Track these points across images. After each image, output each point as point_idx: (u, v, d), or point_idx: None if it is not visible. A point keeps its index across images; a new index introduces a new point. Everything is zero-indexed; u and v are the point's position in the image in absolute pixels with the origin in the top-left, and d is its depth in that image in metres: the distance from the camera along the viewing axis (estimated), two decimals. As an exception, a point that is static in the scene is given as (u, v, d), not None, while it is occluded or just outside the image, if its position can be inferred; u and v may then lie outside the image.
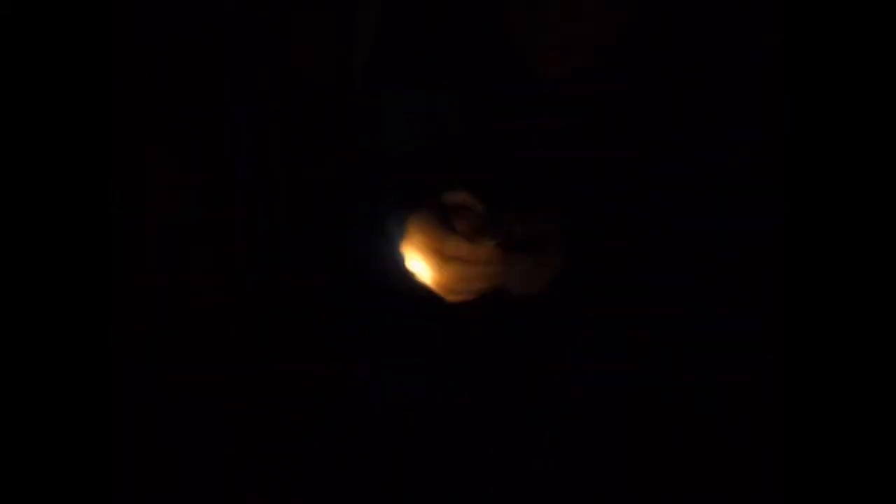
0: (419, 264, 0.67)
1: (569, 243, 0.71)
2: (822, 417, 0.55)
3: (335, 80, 0.95)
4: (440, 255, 0.65)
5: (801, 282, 0.57)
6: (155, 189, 0.97)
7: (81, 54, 0.58)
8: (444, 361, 0.80)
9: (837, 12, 0.56)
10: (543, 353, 0.78)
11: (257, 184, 1.04)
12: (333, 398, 0.83)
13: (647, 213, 0.76)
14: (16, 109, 0.55)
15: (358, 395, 0.83)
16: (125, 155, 0.88)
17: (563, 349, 0.77)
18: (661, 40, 0.78)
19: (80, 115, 0.58)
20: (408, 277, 0.68)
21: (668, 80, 0.77)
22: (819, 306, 0.56)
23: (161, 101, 0.97)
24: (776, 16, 0.72)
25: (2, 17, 0.55)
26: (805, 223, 0.57)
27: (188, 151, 1.00)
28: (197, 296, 0.98)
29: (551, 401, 0.78)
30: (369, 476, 0.81)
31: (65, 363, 0.56)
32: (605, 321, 0.76)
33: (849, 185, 0.56)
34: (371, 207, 0.76)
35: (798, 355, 0.57)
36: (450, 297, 0.67)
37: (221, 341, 0.94)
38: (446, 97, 0.78)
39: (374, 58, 0.84)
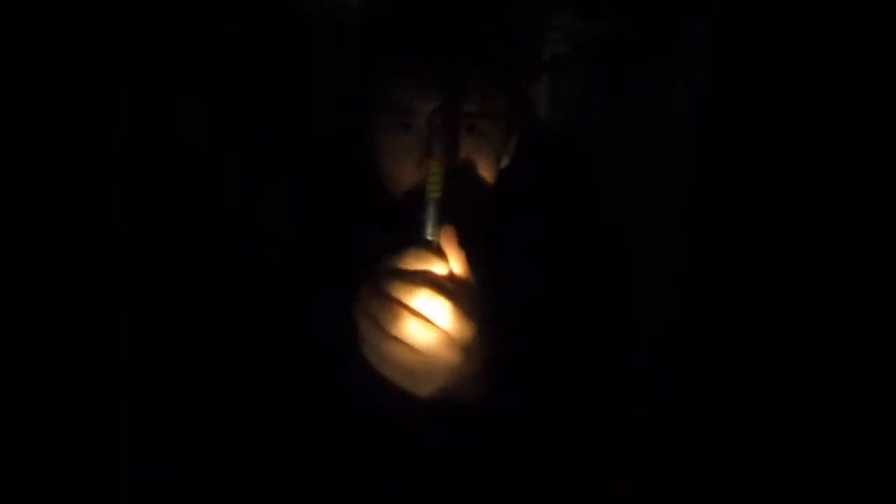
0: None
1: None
2: (822, 418, 0.55)
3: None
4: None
5: (804, 289, 0.57)
6: (157, 188, 0.98)
7: (86, 55, 0.58)
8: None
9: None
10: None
11: (258, 186, 1.05)
12: (333, 397, 0.83)
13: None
14: (16, 114, 0.55)
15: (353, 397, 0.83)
16: (128, 155, 0.89)
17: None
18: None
19: (83, 123, 0.58)
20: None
21: None
22: (820, 307, 0.56)
23: (165, 103, 0.97)
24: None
25: (3, 18, 0.55)
26: (808, 229, 0.58)
27: (190, 151, 1.00)
28: (197, 294, 0.98)
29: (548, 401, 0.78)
30: (369, 476, 0.81)
31: (66, 363, 0.56)
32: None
33: (848, 190, 0.56)
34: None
35: (799, 355, 0.57)
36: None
37: (221, 341, 0.94)
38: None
39: None
